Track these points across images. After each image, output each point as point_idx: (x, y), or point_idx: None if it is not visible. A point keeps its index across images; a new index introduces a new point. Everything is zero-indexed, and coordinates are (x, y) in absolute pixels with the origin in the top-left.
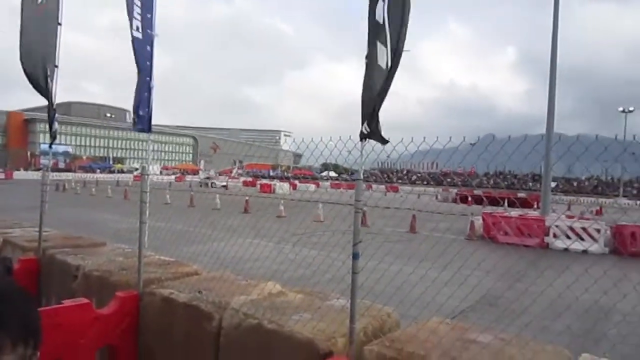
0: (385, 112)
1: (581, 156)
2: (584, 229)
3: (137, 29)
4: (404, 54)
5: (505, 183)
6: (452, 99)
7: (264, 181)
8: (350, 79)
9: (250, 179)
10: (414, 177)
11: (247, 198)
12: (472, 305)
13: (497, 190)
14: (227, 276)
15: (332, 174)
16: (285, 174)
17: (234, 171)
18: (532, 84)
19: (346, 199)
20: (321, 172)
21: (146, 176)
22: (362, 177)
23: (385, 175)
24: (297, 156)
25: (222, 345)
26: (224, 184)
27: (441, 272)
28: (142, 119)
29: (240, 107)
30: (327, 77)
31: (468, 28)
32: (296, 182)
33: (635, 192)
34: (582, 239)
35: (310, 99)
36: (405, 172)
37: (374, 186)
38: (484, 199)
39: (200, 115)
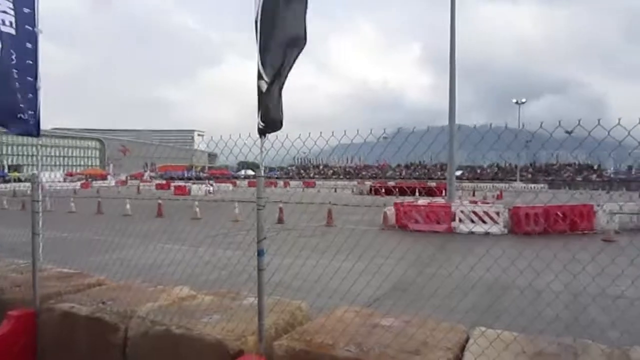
0: (300, 108)
1: (479, 145)
2: (485, 212)
3: (10, 24)
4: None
5: (416, 174)
6: (365, 94)
7: (179, 183)
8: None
9: (163, 181)
10: (331, 172)
11: (160, 201)
12: (386, 292)
13: (408, 181)
14: (134, 284)
15: (250, 172)
16: (201, 174)
17: (146, 174)
18: (436, 79)
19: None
20: (238, 170)
21: (37, 184)
22: (262, 173)
23: (304, 171)
24: (213, 156)
25: (129, 355)
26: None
27: (356, 263)
28: (27, 123)
29: (154, 107)
30: (242, 74)
31: (375, 25)
32: (212, 182)
33: (529, 176)
34: (484, 222)
35: (226, 97)
36: (322, 167)
37: (292, 182)
38: (397, 189)
39: (111, 117)
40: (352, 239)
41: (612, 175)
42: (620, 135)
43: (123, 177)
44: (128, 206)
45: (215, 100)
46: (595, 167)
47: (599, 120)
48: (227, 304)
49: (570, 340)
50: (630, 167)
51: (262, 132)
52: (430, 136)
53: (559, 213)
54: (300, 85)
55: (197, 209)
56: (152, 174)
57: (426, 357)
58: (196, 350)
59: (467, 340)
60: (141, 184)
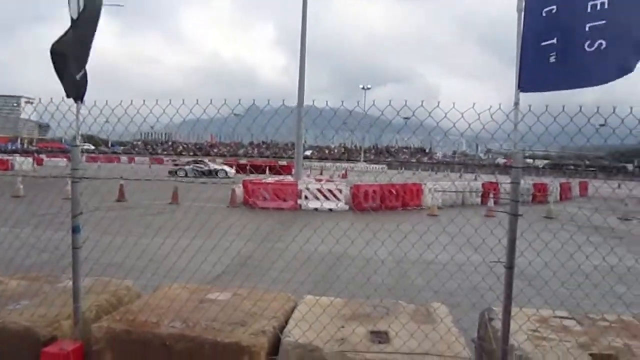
0: (147, 80)
1: (327, 126)
2: (329, 190)
3: None
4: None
5: (268, 152)
6: (219, 69)
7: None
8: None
9: None
10: (181, 149)
11: None
12: (227, 268)
13: (260, 159)
14: None
15: (90, 146)
16: (29, 147)
17: None
18: (290, 60)
19: (105, 174)
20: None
21: None
22: (77, 143)
23: (150, 147)
24: (45, 127)
25: None
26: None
27: (206, 240)
28: None
29: None
30: None
31: (230, 0)
32: (42, 156)
33: (372, 157)
34: (328, 199)
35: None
36: (171, 143)
37: (137, 159)
38: (247, 168)
39: None
40: (199, 217)
41: (439, 159)
42: (449, 124)
43: None
44: None
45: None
46: (427, 150)
47: (429, 112)
48: (37, 288)
49: (385, 302)
50: (454, 152)
51: (75, 98)
52: (282, 116)
53: (392, 191)
54: (149, 57)
55: (21, 185)
56: None
57: (251, 327)
58: (1, 340)
59: (294, 309)
60: None
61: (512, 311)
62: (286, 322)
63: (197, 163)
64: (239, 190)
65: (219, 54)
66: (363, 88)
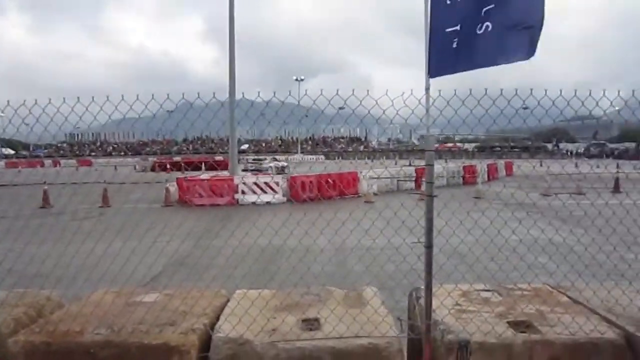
0: (68, 78)
1: (261, 119)
2: (266, 183)
3: None
4: None
5: (203, 148)
6: (142, 64)
7: None
8: (14, 34)
9: None
10: (110, 149)
11: None
12: (163, 269)
13: (195, 155)
14: None
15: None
16: None
17: None
18: (220, 53)
19: (25, 180)
20: None
21: None
22: None
23: (77, 149)
24: None
25: None
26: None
27: (141, 241)
28: None
29: None
30: None
31: None
32: None
33: (309, 148)
34: (265, 192)
35: None
36: (99, 144)
37: (63, 162)
38: (182, 165)
39: None
40: (133, 218)
41: (375, 147)
42: (381, 112)
43: None
44: None
45: None
46: (363, 139)
47: (360, 100)
48: None
49: (313, 289)
50: (389, 140)
51: None
52: (213, 109)
53: (329, 180)
54: (69, 53)
55: None
56: None
57: (180, 326)
58: None
59: (226, 304)
60: None
61: (435, 288)
62: (217, 319)
63: (255, 161)
64: (174, 188)
65: (145, 49)
66: (296, 79)
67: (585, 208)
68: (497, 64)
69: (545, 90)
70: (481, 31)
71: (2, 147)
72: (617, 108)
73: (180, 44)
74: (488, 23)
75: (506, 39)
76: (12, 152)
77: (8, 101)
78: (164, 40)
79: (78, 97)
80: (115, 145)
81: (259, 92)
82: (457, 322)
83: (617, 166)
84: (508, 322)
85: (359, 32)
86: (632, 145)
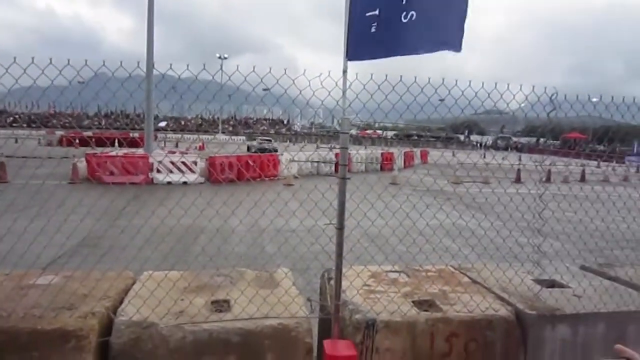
0: None
1: (184, 96)
2: (183, 162)
3: None
4: None
5: (118, 123)
6: (54, 30)
7: None
8: None
9: None
10: (11, 119)
11: None
12: (73, 249)
13: (108, 131)
14: None
15: None
16: None
17: None
18: (138, 23)
19: None
20: None
21: None
22: None
23: None
24: None
25: None
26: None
27: (48, 222)
28: None
29: None
30: None
31: None
32: None
33: (231, 128)
34: (182, 172)
35: None
36: None
37: None
38: (93, 140)
39: None
40: (38, 196)
41: (298, 130)
42: (305, 95)
43: None
44: None
45: None
46: (286, 122)
47: (293, 80)
48: None
49: (222, 270)
50: (312, 124)
51: None
52: (132, 84)
53: (249, 162)
54: None
55: None
56: None
57: (79, 309)
58: None
59: (132, 286)
60: None
61: (345, 269)
62: (121, 302)
63: (263, 140)
64: (82, 165)
65: (54, 12)
66: (220, 57)
67: (487, 195)
68: (418, 53)
69: (456, 81)
70: (406, 20)
71: None
72: (521, 104)
73: (94, 10)
74: (413, 12)
75: (430, 29)
76: None
77: None
78: (75, 3)
79: None
80: (17, 116)
81: (188, 65)
82: (365, 302)
83: (520, 159)
84: (413, 302)
85: (286, 13)
86: (533, 139)
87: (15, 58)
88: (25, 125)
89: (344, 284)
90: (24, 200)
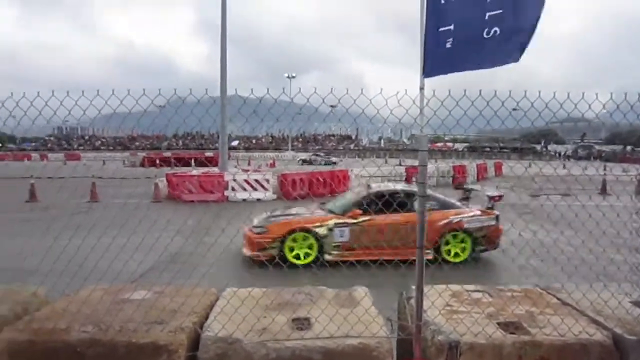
0: (55, 70)
1: (253, 116)
2: (257, 180)
3: None
4: None
5: (194, 144)
6: (131, 58)
7: None
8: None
9: None
10: (99, 143)
11: None
12: (154, 265)
13: (184, 151)
14: None
15: None
16: None
17: None
18: (212, 48)
19: (14, 173)
20: None
21: None
22: None
23: (65, 142)
24: None
25: None
26: None
27: (130, 237)
28: None
29: None
30: None
31: None
32: None
33: (300, 145)
34: (255, 190)
35: None
36: (87, 138)
37: (51, 155)
38: (172, 160)
39: None
40: (123, 214)
41: (366, 145)
42: (374, 111)
43: None
44: None
45: None
46: (353, 137)
47: (370, 100)
48: None
49: (304, 288)
50: (380, 138)
51: None
52: (205, 106)
53: (320, 178)
54: (54, 44)
55: None
56: None
57: (169, 324)
58: None
59: (215, 303)
60: None
61: (426, 289)
62: (207, 317)
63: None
64: (163, 184)
65: (133, 43)
66: (288, 77)
67: (576, 210)
68: (495, 67)
69: (539, 92)
70: (488, 36)
71: None
72: (606, 111)
73: (171, 39)
74: (496, 28)
75: (509, 43)
76: None
77: None
78: (154, 34)
79: (67, 92)
80: (104, 140)
81: (252, 90)
82: (448, 323)
83: (605, 168)
84: (498, 323)
85: (351, 29)
86: (619, 147)
87: (98, 91)
88: (111, 148)
89: (425, 303)
90: (114, 217)
